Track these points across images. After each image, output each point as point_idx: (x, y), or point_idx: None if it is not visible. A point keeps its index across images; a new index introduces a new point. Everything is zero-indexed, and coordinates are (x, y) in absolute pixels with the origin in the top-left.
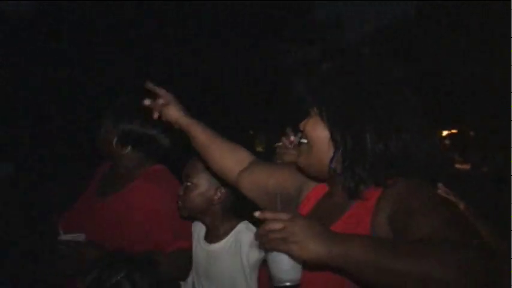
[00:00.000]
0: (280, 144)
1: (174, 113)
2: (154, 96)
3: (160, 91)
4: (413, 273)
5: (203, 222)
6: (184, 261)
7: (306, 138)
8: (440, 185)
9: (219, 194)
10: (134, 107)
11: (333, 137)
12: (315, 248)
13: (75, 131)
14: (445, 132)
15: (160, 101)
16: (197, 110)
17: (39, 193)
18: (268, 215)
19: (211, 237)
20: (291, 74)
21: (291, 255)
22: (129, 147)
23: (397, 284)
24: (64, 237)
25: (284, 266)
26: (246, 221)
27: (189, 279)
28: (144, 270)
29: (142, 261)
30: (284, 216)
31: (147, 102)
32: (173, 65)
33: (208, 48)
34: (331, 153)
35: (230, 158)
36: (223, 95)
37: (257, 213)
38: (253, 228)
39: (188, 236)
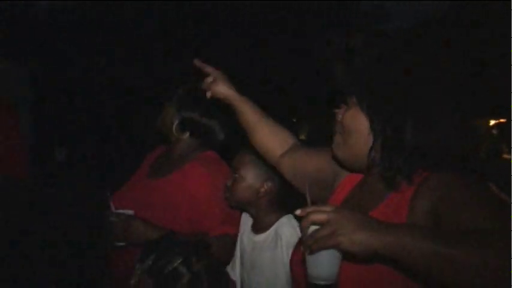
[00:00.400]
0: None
1: (223, 88)
2: (204, 75)
3: (208, 68)
4: (467, 259)
5: (249, 213)
6: (228, 246)
7: (343, 128)
8: (491, 184)
9: (265, 186)
10: (198, 96)
11: (372, 127)
12: (365, 238)
13: (124, 120)
14: (492, 122)
15: (209, 79)
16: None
17: (90, 177)
18: (310, 209)
19: (257, 228)
20: (331, 62)
21: (340, 249)
22: (187, 134)
23: (449, 271)
24: (115, 211)
25: (324, 263)
26: (289, 215)
27: (237, 268)
28: (200, 254)
29: (198, 245)
30: (327, 208)
31: (202, 85)
32: (218, 51)
33: (252, 36)
34: (370, 143)
35: (274, 140)
36: (267, 83)
37: (298, 211)
38: (295, 223)
39: (235, 222)
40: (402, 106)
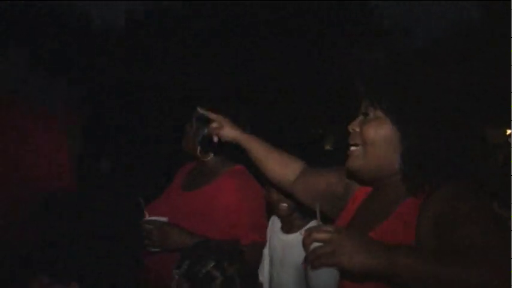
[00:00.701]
0: None
1: (230, 132)
2: (210, 120)
3: (212, 115)
4: (462, 280)
5: (281, 216)
6: (257, 253)
7: (362, 139)
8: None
9: None
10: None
11: (402, 138)
12: (364, 259)
13: (167, 132)
14: (508, 131)
15: (214, 125)
16: (269, 111)
17: (131, 188)
18: (313, 228)
19: (287, 228)
20: (355, 76)
21: (340, 268)
22: (211, 154)
23: None
24: (149, 218)
25: (323, 278)
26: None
27: (265, 268)
28: (232, 258)
29: (230, 250)
30: (330, 227)
31: (208, 130)
32: (247, 63)
33: (280, 48)
34: (394, 153)
35: (285, 169)
36: (294, 96)
37: (302, 232)
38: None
39: (262, 230)
40: (430, 118)
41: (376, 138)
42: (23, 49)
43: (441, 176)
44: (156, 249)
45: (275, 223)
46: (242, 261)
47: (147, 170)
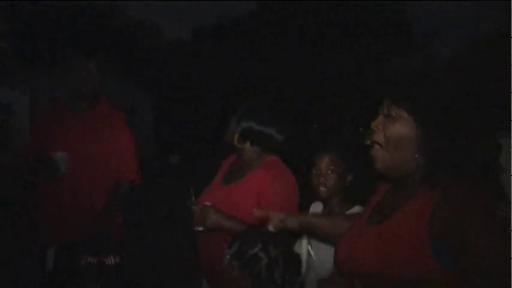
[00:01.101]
0: None
1: (293, 222)
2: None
3: (267, 214)
4: None
5: (324, 201)
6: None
7: (385, 137)
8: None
9: (349, 178)
10: (255, 108)
11: (423, 136)
12: None
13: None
14: None
15: (276, 221)
16: (317, 110)
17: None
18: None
19: (328, 210)
20: (392, 80)
21: None
22: (248, 143)
23: None
24: (195, 204)
25: None
26: (359, 206)
27: (304, 242)
28: (276, 240)
29: (276, 234)
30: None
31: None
32: (293, 64)
33: (325, 51)
34: (415, 150)
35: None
36: (339, 98)
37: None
38: None
39: None
40: (449, 118)
41: (399, 136)
42: (102, 59)
43: (456, 173)
44: (200, 228)
45: (317, 206)
46: (286, 245)
47: (212, 163)
